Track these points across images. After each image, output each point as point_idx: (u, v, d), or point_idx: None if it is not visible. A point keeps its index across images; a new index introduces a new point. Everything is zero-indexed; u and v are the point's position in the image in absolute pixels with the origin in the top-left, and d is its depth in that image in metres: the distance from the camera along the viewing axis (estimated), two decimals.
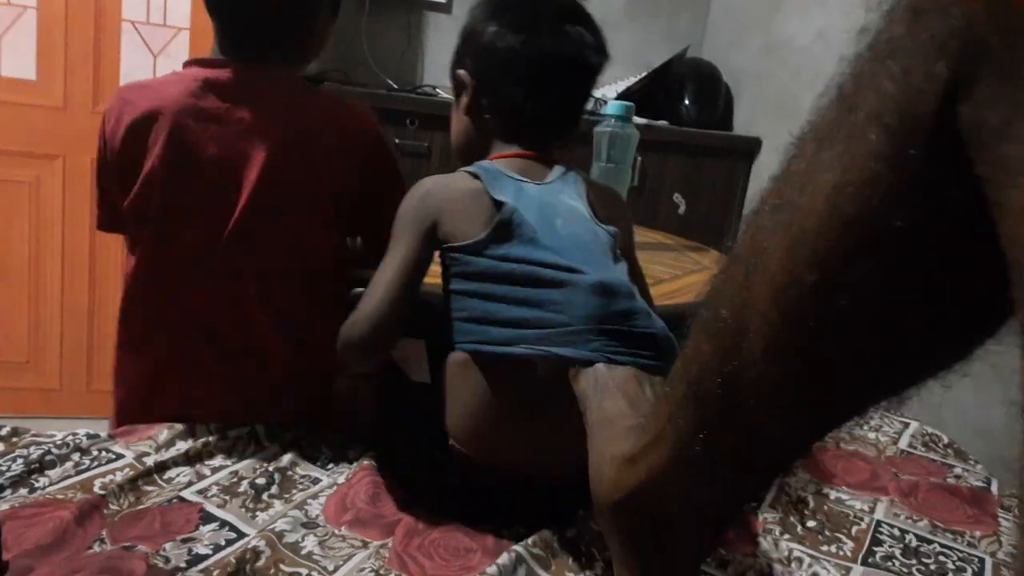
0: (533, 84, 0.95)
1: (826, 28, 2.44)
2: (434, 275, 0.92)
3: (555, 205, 0.91)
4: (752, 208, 0.43)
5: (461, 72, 0.99)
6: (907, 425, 1.24)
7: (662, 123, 2.58)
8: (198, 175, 0.98)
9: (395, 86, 2.44)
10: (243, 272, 1.00)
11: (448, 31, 2.73)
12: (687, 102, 2.67)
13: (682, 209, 2.55)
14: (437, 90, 2.52)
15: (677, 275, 1.37)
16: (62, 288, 2.18)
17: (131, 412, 1.04)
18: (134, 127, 0.97)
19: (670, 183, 2.55)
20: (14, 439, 0.93)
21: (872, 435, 1.19)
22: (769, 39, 2.68)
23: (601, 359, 0.79)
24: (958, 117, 0.30)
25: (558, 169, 0.96)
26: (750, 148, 2.68)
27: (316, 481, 0.93)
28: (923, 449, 1.17)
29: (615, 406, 0.70)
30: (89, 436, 0.95)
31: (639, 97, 2.54)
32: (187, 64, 1.03)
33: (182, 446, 0.94)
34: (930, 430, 1.22)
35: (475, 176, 0.91)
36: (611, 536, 0.61)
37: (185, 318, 1.01)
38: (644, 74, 2.64)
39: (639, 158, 2.33)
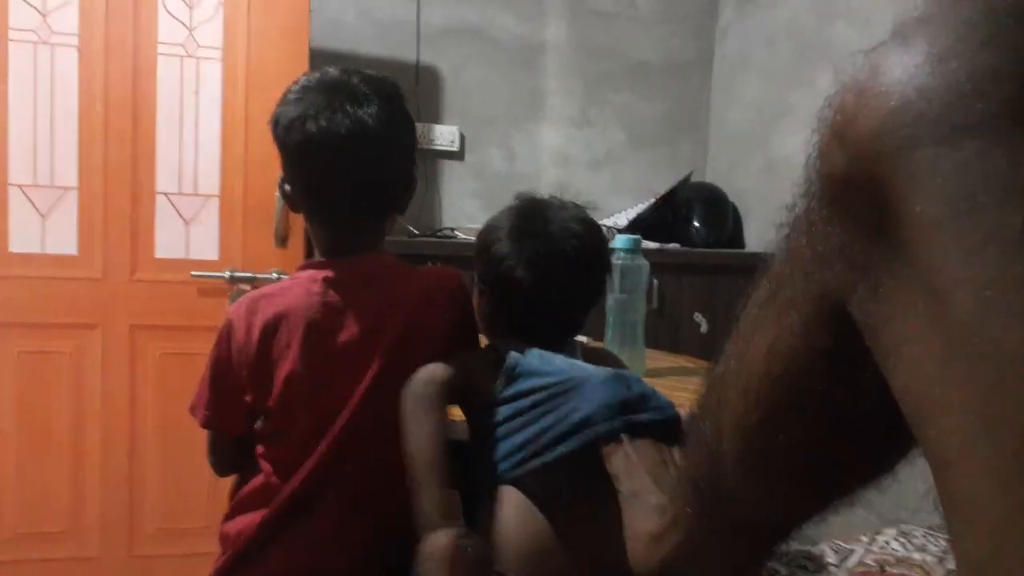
0: (538, 310, 1.08)
1: None
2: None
3: (554, 356, 1.02)
4: (721, 351, 0.51)
5: (484, 285, 1.13)
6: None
7: (674, 246, 2.66)
8: (332, 364, 1.07)
9: (415, 231, 2.55)
10: (362, 441, 1.08)
11: (462, 177, 2.88)
12: (696, 224, 2.75)
13: (704, 328, 2.59)
14: (456, 232, 2.63)
15: None
16: (102, 455, 2.22)
17: (232, 567, 1.09)
18: (266, 331, 1.07)
19: (689, 303, 2.60)
20: None
21: (917, 556, 1.16)
22: (768, 158, 2.79)
23: (624, 427, 0.88)
24: (850, 311, 0.38)
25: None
26: (763, 263, 2.73)
27: None
28: None
29: (642, 484, 0.78)
30: None
31: (649, 223, 2.63)
32: (299, 268, 1.15)
33: None
34: None
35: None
36: None
37: (316, 469, 1.07)
38: (651, 201, 2.74)
39: (655, 281, 2.39)
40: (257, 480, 1.09)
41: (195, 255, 2.24)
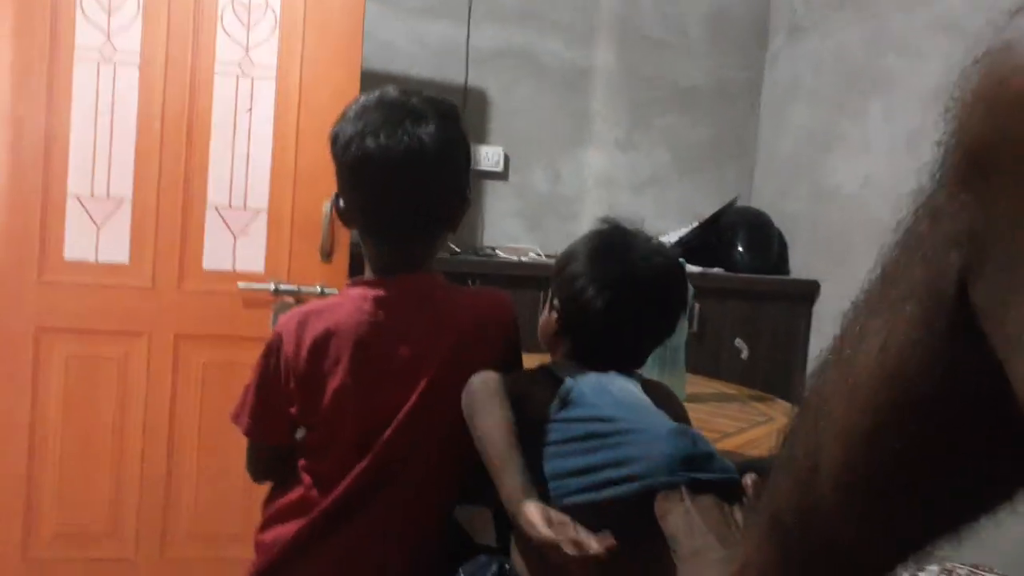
0: (605, 336, 1.08)
1: (872, 174, 2.50)
2: None
3: (610, 382, 1.02)
4: (818, 361, 0.48)
5: (555, 302, 1.12)
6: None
7: (717, 270, 2.63)
8: (380, 382, 1.08)
9: (457, 249, 2.57)
10: (400, 462, 1.09)
11: (504, 196, 2.89)
12: (740, 249, 2.73)
13: (745, 354, 2.55)
14: (496, 251, 2.64)
15: (743, 427, 1.36)
16: (142, 459, 2.26)
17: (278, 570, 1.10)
18: (316, 346, 1.08)
19: (730, 329, 2.57)
20: None
21: None
22: (817, 186, 2.76)
23: (687, 483, 0.84)
24: (971, 298, 0.35)
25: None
26: (808, 291, 2.69)
27: None
28: None
29: (705, 542, 0.74)
30: None
31: (693, 247, 2.61)
32: (349, 285, 1.16)
33: None
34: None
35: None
36: None
37: (355, 483, 1.08)
38: (695, 224, 2.72)
39: (697, 305, 2.37)
40: (295, 492, 1.10)
41: (242, 267, 2.29)
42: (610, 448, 0.91)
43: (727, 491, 0.84)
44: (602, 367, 1.05)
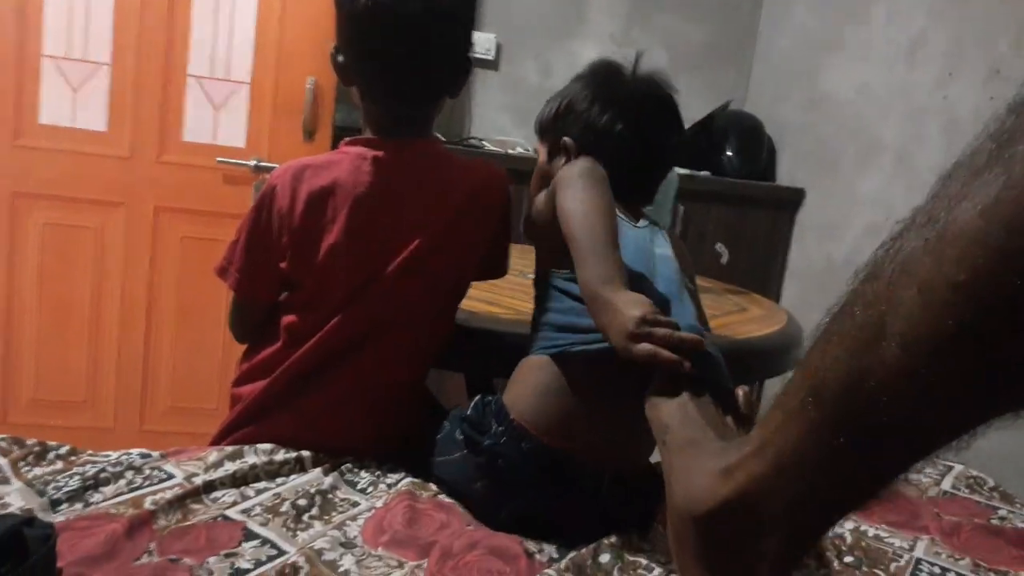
0: (632, 162, 1.09)
1: (869, 83, 2.46)
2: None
3: (649, 250, 1.04)
4: (896, 230, 0.47)
5: (567, 140, 1.10)
6: (951, 468, 1.22)
7: (705, 173, 2.61)
8: (374, 242, 1.07)
9: (443, 139, 2.52)
10: (393, 306, 1.09)
11: (495, 88, 2.83)
12: (730, 153, 2.70)
13: (724, 259, 2.56)
14: (483, 142, 2.60)
15: (715, 315, 1.38)
16: (119, 330, 2.27)
17: (244, 424, 1.10)
18: (312, 201, 1.06)
19: (712, 233, 2.57)
20: (72, 457, 0.98)
21: (913, 475, 1.16)
22: (812, 93, 2.71)
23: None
24: None
25: (644, 220, 1.12)
26: (794, 199, 2.68)
27: (355, 504, 0.95)
28: (967, 491, 1.15)
29: (702, 433, 0.70)
30: (142, 455, 0.99)
31: (682, 148, 2.58)
32: (347, 143, 1.12)
33: (230, 467, 0.98)
34: (975, 473, 1.20)
35: None
36: (687, 551, 0.62)
37: (327, 342, 1.07)
38: (687, 126, 2.68)
39: (682, 207, 2.36)
40: (276, 347, 1.10)
41: (222, 142, 2.24)
42: None
43: (723, 398, 0.81)
44: (627, 201, 1.07)
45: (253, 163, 2.21)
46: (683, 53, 2.95)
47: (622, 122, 1.08)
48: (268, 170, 2.21)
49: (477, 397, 0.99)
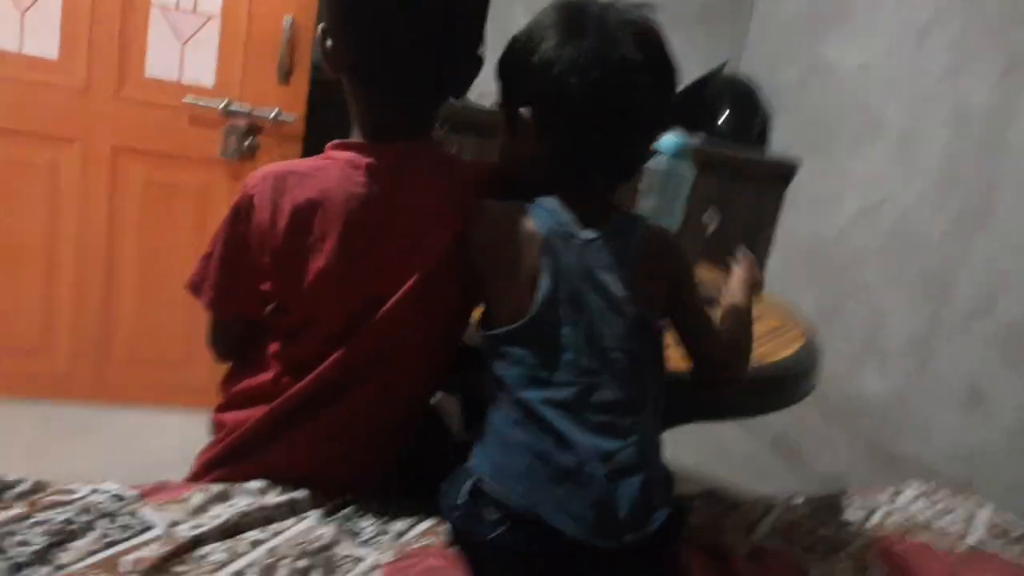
0: (601, 121, 0.90)
1: (871, 59, 2.37)
2: None
3: (592, 279, 0.89)
4: None
5: (524, 114, 0.93)
6: (980, 507, 1.21)
7: (698, 136, 2.52)
8: (371, 266, 0.93)
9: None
10: (398, 335, 0.96)
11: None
12: (724, 117, 2.60)
13: (712, 227, 2.50)
14: (469, 98, 2.45)
15: None
16: (76, 273, 2.12)
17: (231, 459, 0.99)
18: (297, 217, 0.91)
19: (700, 202, 2.50)
20: (34, 496, 0.85)
21: (939, 522, 1.13)
22: (813, 62, 2.62)
23: None
24: None
25: (615, 219, 0.93)
26: (785, 171, 2.62)
27: (359, 560, 0.85)
28: (999, 543, 1.11)
29: None
30: (115, 497, 0.87)
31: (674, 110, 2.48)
32: (334, 147, 0.96)
33: (217, 512, 0.87)
34: (1001, 519, 1.17)
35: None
36: None
37: (325, 374, 0.95)
38: (681, 87, 2.58)
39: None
40: (264, 376, 0.98)
41: (189, 80, 2.06)
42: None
43: None
44: (593, 182, 0.93)
45: (222, 104, 2.04)
46: (678, 9, 2.80)
47: (591, 89, 0.87)
48: (239, 114, 2.05)
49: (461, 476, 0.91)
